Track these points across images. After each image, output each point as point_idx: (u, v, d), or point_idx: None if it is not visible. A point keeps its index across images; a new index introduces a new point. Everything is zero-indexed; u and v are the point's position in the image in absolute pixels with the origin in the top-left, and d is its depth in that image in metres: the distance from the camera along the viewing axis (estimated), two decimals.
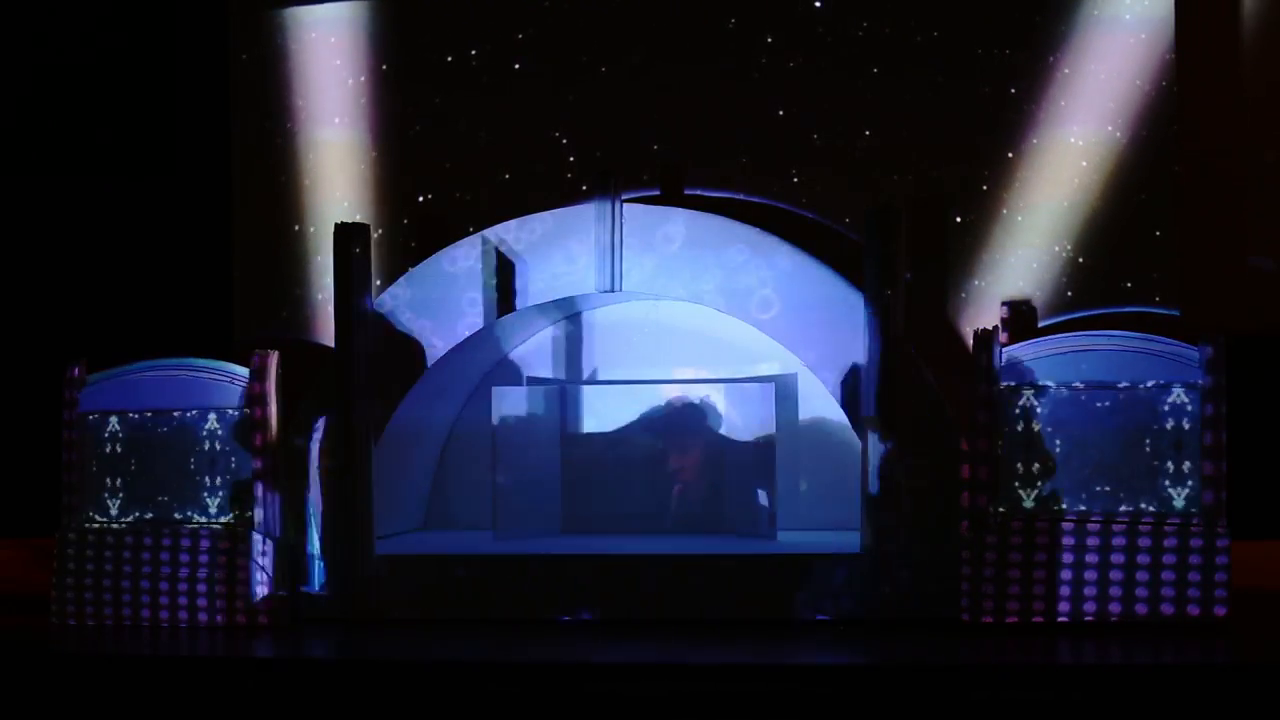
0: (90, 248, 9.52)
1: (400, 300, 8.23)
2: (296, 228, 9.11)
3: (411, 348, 8.21)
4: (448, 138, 9.02)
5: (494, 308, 8.20)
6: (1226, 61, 8.82)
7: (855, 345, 7.74)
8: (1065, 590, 7.44)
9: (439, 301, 8.19)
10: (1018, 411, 7.54)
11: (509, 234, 8.21)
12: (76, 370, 8.18)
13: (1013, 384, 7.55)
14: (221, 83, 9.26)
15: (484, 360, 8.77)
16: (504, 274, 8.19)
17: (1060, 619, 7.44)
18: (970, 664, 6.93)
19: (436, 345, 8.22)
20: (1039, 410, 7.52)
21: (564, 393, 8.76)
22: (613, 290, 8.07)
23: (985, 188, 8.63)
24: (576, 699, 6.77)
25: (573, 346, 8.85)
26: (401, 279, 8.31)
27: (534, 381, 8.82)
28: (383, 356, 8.13)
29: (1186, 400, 7.44)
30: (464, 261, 8.21)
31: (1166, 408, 7.45)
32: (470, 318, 8.20)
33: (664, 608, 7.78)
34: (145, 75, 9.52)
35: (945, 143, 8.60)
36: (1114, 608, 7.42)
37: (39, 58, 9.62)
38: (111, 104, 9.53)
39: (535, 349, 8.86)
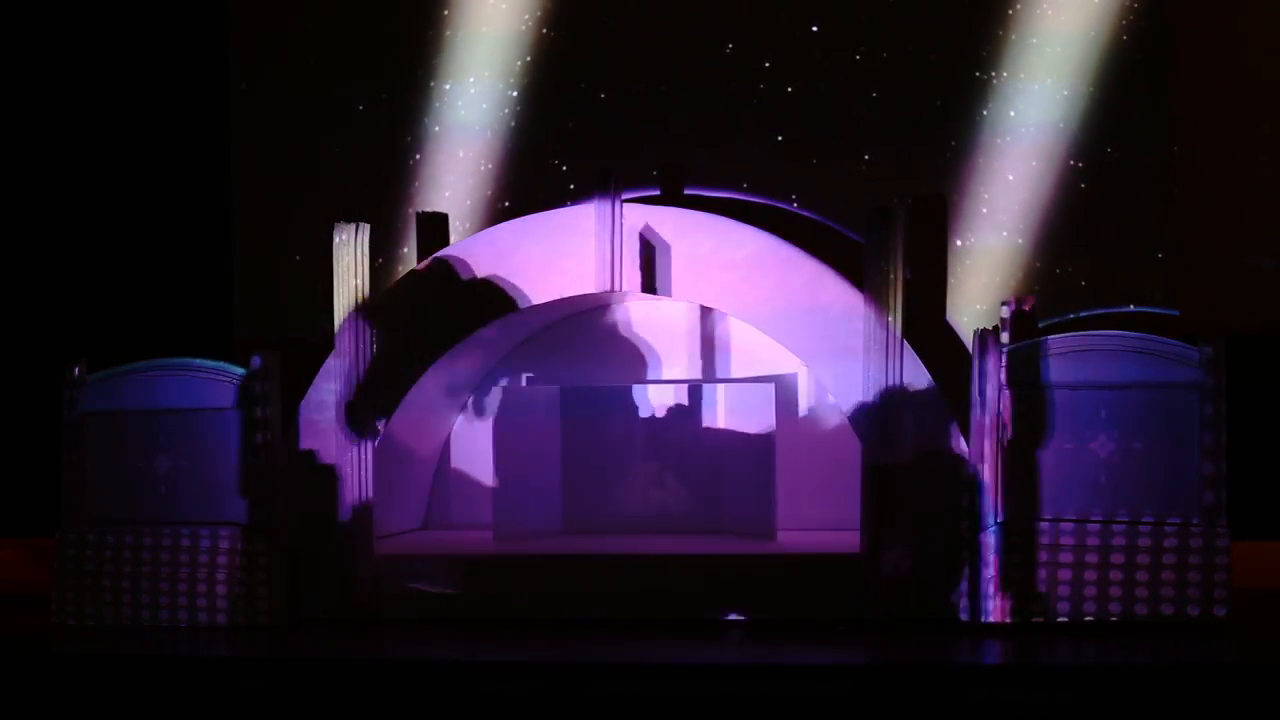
0: (90, 248, 9.51)
1: (400, 300, 8.22)
2: (295, 238, 9.13)
3: (412, 347, 8.20)
4: (445, 163, 9.03)
5: (494, 307, 8.19)
6: (1226, 64, 8.83)
7: (856, 345, 7.74)
8: (1065, 590, 7.44)
9: (438, 301, 8.19)
10: (1018, 411, 7.53)
11: (509, 234, 8.21)
12: (76, 370, 8.17)
13: (1012, 384, 7.54)
14: (222, 82, 9.26)
15: (484, 360, 8.77)
16: (503, 273, 8.19)
17: (1060, 619, 7.44)
18: (970, 664, 6.93)
19: (437, 345, 8.21)
20: (1038, 410, 7.52)
21: (564, 393, 8.75)
22: (613, 290, 8.07)
23: (985, 210, 8.65)
24: (576, 699, 6.77)
25: (573, 346, 8.85)
26: (401, 279, 8.31)
27: (534, 381, 8.82)
28: (383, 355, 8.13)
29: (1186, 400, 7.44)
30: (464, 262, 8.21)
31: (1167, 408, 7.45)
32: (470, 317, 8.19)
33: (664, 608, 7.78)
34: (145, 75, 9.51)
35: (944, 165, 8.62)
36: (1114, 608, 7.42)
37: (38, 58, 9.62)
38: (111, 104, 9.53)
39: (535, 348, 8.86)
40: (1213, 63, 8.76)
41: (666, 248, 8.03)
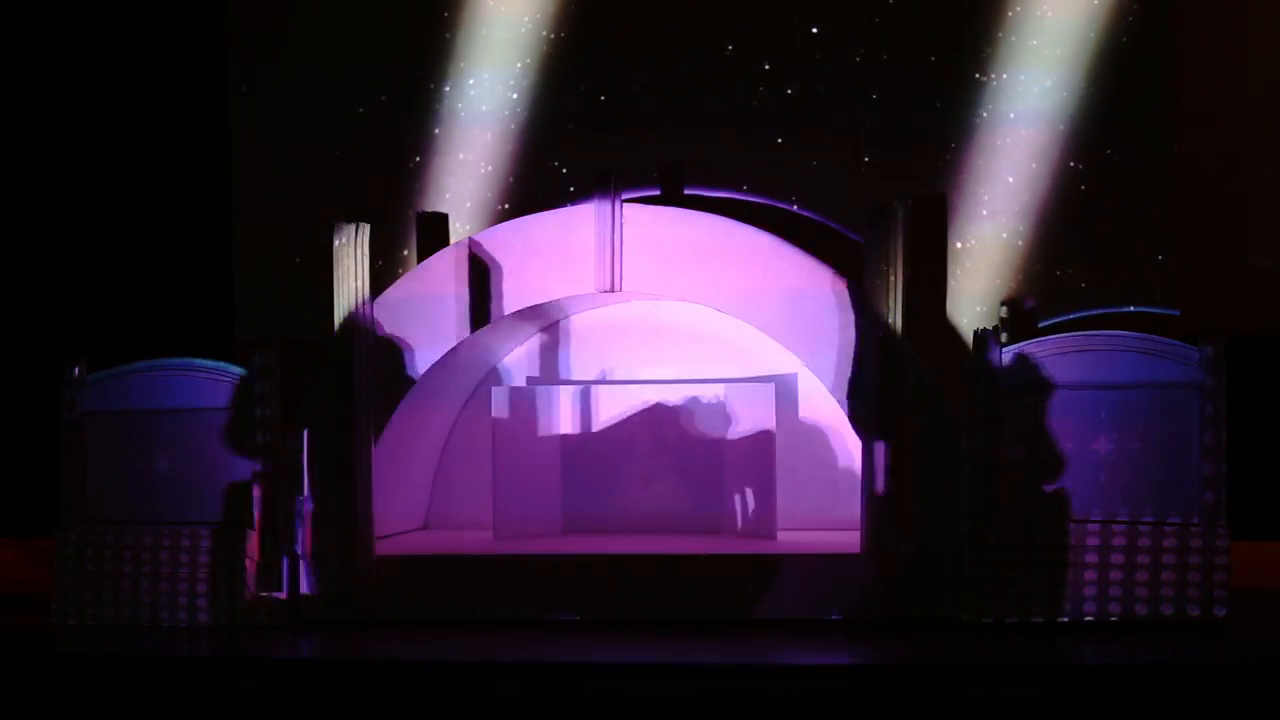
0: (90, 248, 9.52)
1: (401, 299, 8.23)
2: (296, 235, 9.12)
3: (412, 347, 8.20)
4: (445, 165, 9.03)
5: (495, 308, 8.20)
6: (1227, 63, 8.83)
7: (857, 345, 7.74)
8: (1065, 590, 7.44)
9: (439, 301, 8.19)
10: (1018, 411, 7.53)
11: (509, 234, 8.22)
12: (76, 370, 8.18)
13: (1013, 384, 7.54)
14: (222, 82, 9.27)
15: (484, 360, 8.78)
16: (503, 273, 8.19)
17: (1060, 619, 7.44)
18: (970, 664, 6.93)
19: (437, 344, 8.21)
20: (1039, 410, 7.52)
21: (564, 393, 8.75)
22: (613, 290, 8.07)
23: (985, 213, 8.65)
24: (576, 699, 6.77)
25: (572, 346, 8.85)
26: (402, 278, 8.32)
27: (534, 381, 8.82)
28: (384, 355, 8.13)
29: (1186, 400, 7.44)
30: (464, 262, 8.21)
31: (1167, 408, 7.45)
32: (470, 316, 8.19)
33: (664, 608, 7.78)
34: (145, 75, 9.52)
35: (944, 166, 8.63)
36: (1114, 608, 7.42)
37: (38, 57, 9.62)
38: (112, 104, 9.53)
39: (535, 349, 8.87)
40: (1213, 63, 8.76)
41: (664, 247, 8.04)
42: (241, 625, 7.88)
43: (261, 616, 7.89)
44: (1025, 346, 7.60)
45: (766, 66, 8.84)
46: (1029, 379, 7.53)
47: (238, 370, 7.98)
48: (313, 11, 9.19)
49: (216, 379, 8.01)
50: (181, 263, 9.42)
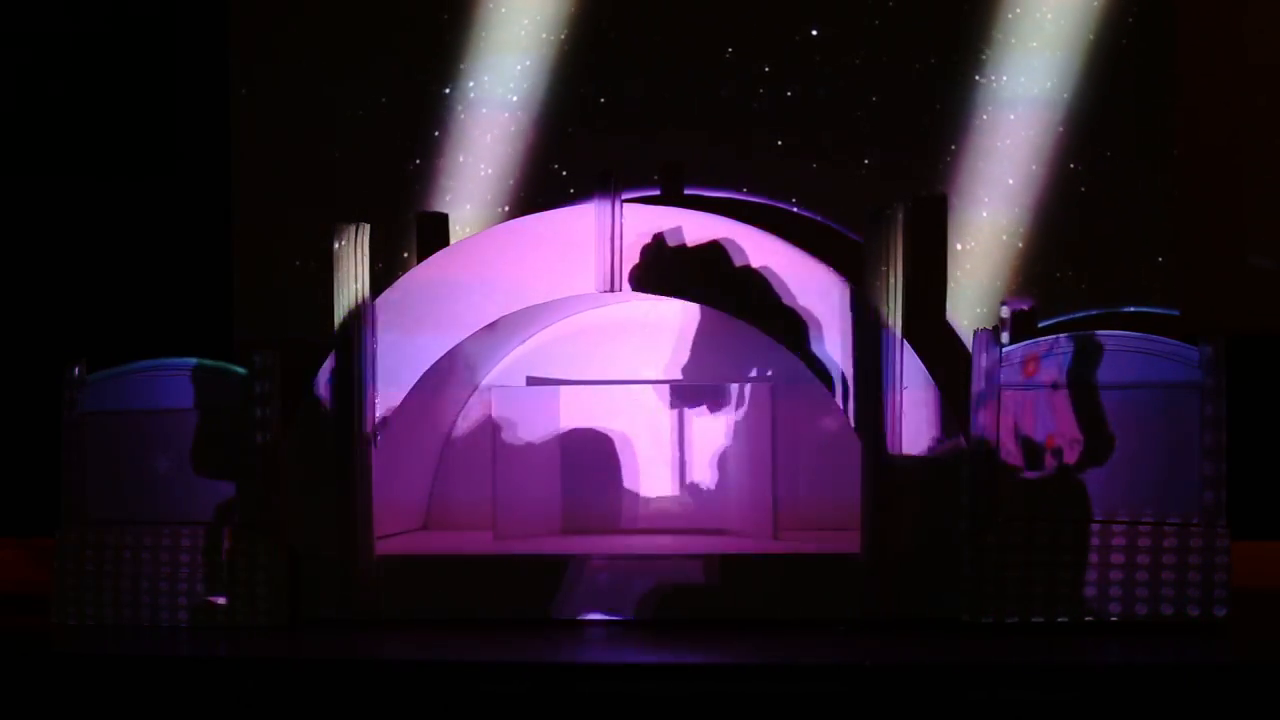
0: (90, 248, 9.52)
1: (399, 299, 8.22)
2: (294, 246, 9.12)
3: (411, 347, 8.20)
4: (445, 167, 9.03)
5: (494, 307, 8.19)
6: (1228, 63, 8.84)
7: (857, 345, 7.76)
8: (1065, 590, 7.44)
9: (438, 301, 8.19)
10: (1018, 411, 7.53)
11: (509, 234, 8.22)
12: (76, 370, 8.18)
13: (1013, 384, 7.54)
14: (222, 82, 9.27)
15: (484, 360, 8.78)
16: (503, 273, 8.19)
17: (1060, 619, 7.43)
18: (970, 664, 6.93)
19: (436, 345, 8.21)
20: (1039, 410, 7.52)
21: (563, 392, 8.75)
22: (613, 290, 8.07)
23: (985, 214, 8.66)
24: (576, 699, 6.76)
25: (572, 346, 8.85)
26: (401, 278, 8.31)
27: (534, 381, 8.83)
28: (383, 355, 8.13)
29: (1186, 400, 7.44)
30: (464, 261, 8.21)
31: (1167, 408, 7.45)
32: (471, 317, 8.19)
33: (664, 608, 7.78)
34: (145, 75, 9.52)
35: (944, 168, 8.63)
36: (1114, 608, 7.42)
37: (37, 57, 9.62)
38: (112, 104, 9.53)
39: (535, 349, 8.87)
40: (1213, 63, 8.77)
41: (665, 247, 8.04)
42: (241, 625, 7.88)
43: (261, 616, 7.89)
44: (1025, 346, 7.60)
45: (766, 69, 8.84)
46: (1029, 378, 7.53)
47: (238, 370, 7.98)
48: (313, 12, 9.20)
49: (216, 379, 8.01)
50: (181, 263, 9.42)
